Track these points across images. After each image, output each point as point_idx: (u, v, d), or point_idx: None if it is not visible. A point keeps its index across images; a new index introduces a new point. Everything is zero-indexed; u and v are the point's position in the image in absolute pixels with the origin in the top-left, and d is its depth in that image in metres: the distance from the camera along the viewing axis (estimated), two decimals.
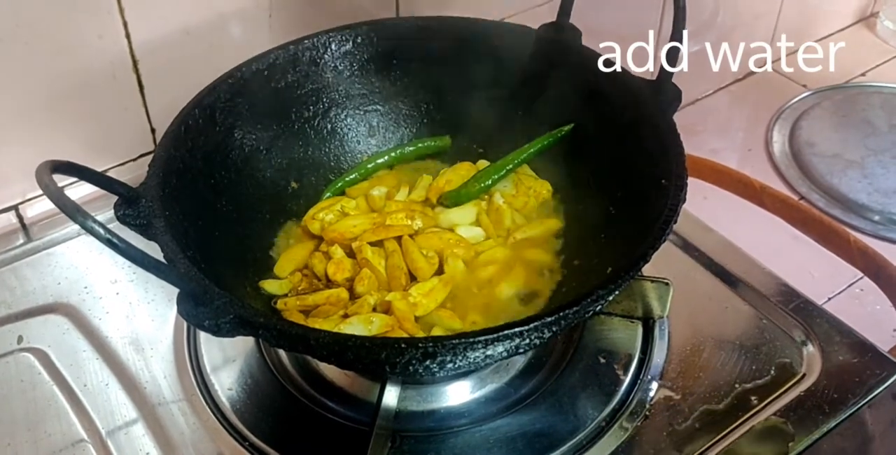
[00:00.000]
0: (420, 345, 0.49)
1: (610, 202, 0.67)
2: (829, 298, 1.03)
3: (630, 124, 0.66)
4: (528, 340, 0.51)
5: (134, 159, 0.81)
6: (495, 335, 0.50)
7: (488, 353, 0.51)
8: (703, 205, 0.78)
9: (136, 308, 0.71)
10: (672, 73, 0.64)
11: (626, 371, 0.66)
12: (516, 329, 0.50)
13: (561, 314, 0.51)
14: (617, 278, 0.53)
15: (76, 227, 0.76)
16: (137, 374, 0.66)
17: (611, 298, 0.55)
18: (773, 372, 0.66)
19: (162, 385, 0.65)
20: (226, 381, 0.65)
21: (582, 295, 0.52)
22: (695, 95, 1.31)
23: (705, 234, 0.78)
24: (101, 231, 0.44)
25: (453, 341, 0.49)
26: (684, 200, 0.58)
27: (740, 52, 1.25)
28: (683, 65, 0.65)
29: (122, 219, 0.57)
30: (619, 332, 0.69)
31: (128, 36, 0.74)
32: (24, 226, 0.79)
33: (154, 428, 0.63)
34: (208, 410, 0.63)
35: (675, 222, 0.56)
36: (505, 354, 0.52)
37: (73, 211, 0.44)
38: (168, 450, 0.61)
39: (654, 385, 0.65)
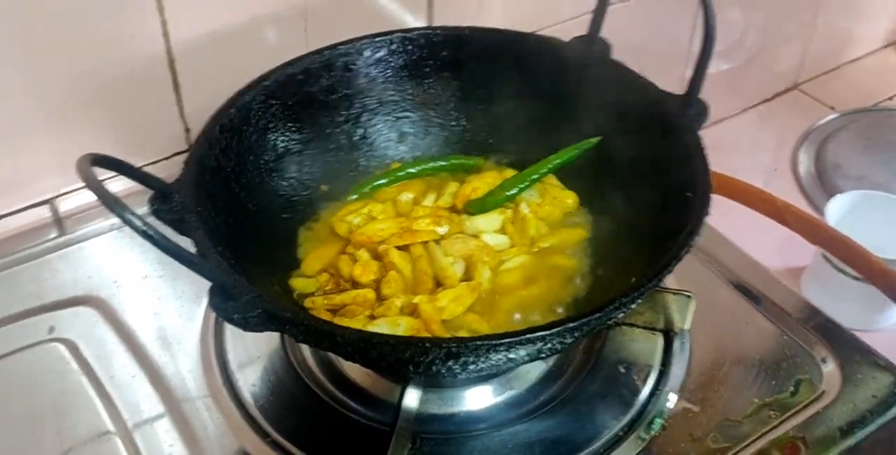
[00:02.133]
0: (444, 345, 0.50)
1: (634, 213, 0.67)
2: None
3: (657, 138, 0.66)
4: (550, 345, 0.52)
5: (167, 158, 0.83)
6: (518, 338, 0.50)
7: (511, 356, 0.52)
8: (727, 222, 0.78)
9: (165, 304, 0.72)
10: (699, 88, 0.65)
11: (645, 382, 0.66)
12: (539, 333, 0.50)
13: (583, 320, 0.52)
14: (640, 287, 0.54)
15: (108, 222, 0.79)
16: (163, 369, 0.67)
17: (633, 307, 0.55)
18: (792, 388, 0.66)
19: (187, 380, 0.66)
20: (250, 379, 0.66)
21: (605, 302, 0.53)
22: (722, 114, 1.32)
23: (729, 249, 0.79)
24: (138, 223, 0.45)
25: (477, 343, 0.50)
26: (708, 213, 0.58)
27: (768, 72, 1.26)
28: (711, 82, 0.65)
29: (156, 213, 0.58)
30: (640, 343, 0.69)
31: (166, 35, 0.76)
32: (58, 219, 0.80)
33: (179, 422, 0.64)
34: (232, 406, 0.64)
35: (699, 234, 0.57)
36: (527, 358, 0.53)
37: (111, 202, 0.45)
38: (192, 444, 0.62)
39: (673, 397, 0.65)
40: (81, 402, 0.65)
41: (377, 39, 0.73)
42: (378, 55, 0.74)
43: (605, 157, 0.72)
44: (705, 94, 0.65)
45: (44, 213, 0.80)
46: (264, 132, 0.69)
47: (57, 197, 0.80)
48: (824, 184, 1.21)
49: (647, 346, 0.69)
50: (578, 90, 0.72)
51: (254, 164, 0.68)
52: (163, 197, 0.58)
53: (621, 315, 0.54)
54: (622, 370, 0.67)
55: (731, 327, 0.72)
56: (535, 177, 0.73)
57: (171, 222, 0.58)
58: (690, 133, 0.64)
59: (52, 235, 0.79)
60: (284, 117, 0.70)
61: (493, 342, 0.50)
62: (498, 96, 0.75)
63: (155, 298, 0.73)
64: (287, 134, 0.70)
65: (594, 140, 0.72)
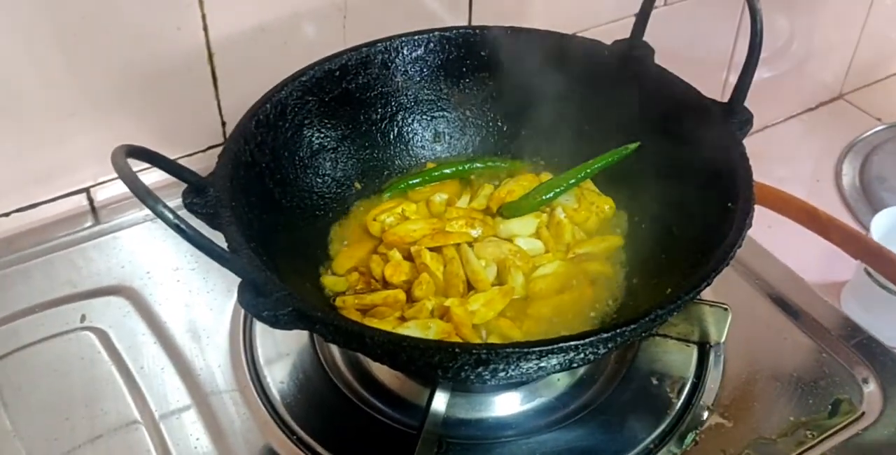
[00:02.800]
0: (474, 351, 0.49)
1: (673, 222, 0.66)
2: None
3: (699, 145, 0.65)
4: (582, 355, 0.51)
5: (203, 151, 0.83)
6: (550, 347, 0.49)
7: (542, 364, 0.51)
8: (767, 233, 0.77)
9: (196, 297, 0.73)
10: (744, 97, 0.64)
11: (678, 394, 0.65)
12: (571, 343, 0.49)
13: (618, 331, 0.50)
14: (677, 299, 0.52)
15: (143, 213, 0.79)
16: (192, 362, 0.67)
17: (669, 319, 0.54)
18: (830, 408, 0.64)
19: (216, 374, 0.66)
20: (278, 375, 0.66)
21: (640, 313, 0.51)
22: (764, 122, 1.29)
23: (768, 262, 0.77)
24: (170, 216, 0.45)
25: (507, 350, 0.49)
26: (750, 225, 0.57)
27: (813, 80, 1.23)
28: (753, 89, 0.64)
29: (189, 207, 0.58)
30: (674, 355, 0.68)
31: (205, 29, 0.76)
32: (93, 209, 0.81)
33: (205, 415, 0.64)
34: (259, 402, 0.64)
35: (740, 247, 0.55)
36: (558, 367, 0.52)
37: (144, 194, 0.45)
38: (218, 438, 0.62)
39: (706, 411, 0.64)
40: (111, 391, 0.65)
41: (415, 37, 0.73)
42: (416, 53, 0.73)
43: (645, 164, 0.71)
44: (748, 101, 0.64)
45: (80, 201, 0.80)
46: (300, 128, 0.68)
47: (94, 186, 0.80)
48: (868, 196, 1.19)
49: (680, 357, 0.67)
50: (619, 94, 0.71)
51: (288, 160, 0.67)
52: (196, 191, 0.58)
53: (656, 327, 0.53)
54: (655, 381, 0.66)
55: (767, 342, 0.70)
56: (572, 181, 0.72)
57: (204, 216, 0.58)
58: (734, 142, 0.62)
59: (88, 224, 0.79)
60: (320, 114, 0.69)
61: (524, 350, 0.49)
62: (536, 98, 0.74)
63: (186, 291, 0.73)
64: (322, 130, 0.70)
65: (633, 145, 0.71)
